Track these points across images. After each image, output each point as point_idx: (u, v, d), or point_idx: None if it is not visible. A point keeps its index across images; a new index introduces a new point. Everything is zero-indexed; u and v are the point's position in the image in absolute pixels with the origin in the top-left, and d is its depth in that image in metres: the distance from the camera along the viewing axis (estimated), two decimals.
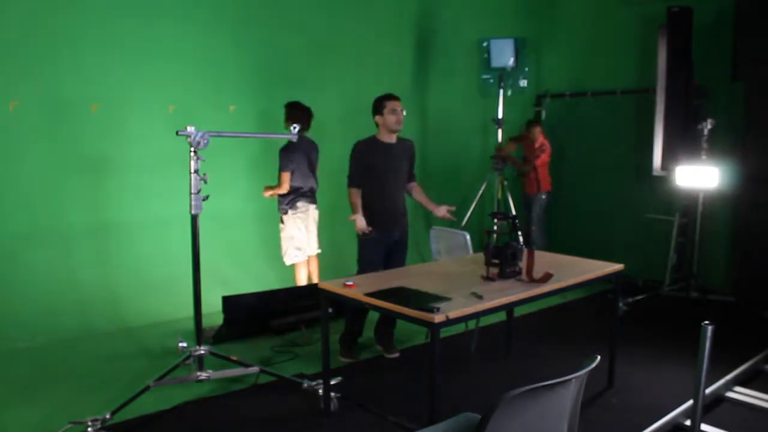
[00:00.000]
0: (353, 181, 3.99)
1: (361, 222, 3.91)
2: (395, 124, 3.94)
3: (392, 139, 4.02)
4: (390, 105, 3.93)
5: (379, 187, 3.97)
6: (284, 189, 4.65)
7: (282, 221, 4.79)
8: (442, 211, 4.12)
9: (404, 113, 3.99)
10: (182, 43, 4.99)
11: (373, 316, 4.23)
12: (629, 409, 3.31)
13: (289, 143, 4.53)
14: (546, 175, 6.20)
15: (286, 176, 4.62)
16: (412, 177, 4.22)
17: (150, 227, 4.97)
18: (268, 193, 4.75)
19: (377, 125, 4.01)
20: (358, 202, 3.97)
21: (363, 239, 4.02)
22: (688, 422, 3.06)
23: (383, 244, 4.03)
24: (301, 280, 4.89)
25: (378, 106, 3.97)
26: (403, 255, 4.16)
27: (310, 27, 5.75)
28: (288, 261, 4.84)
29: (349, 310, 4.09)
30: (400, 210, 4.09)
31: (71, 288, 4.57)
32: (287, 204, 4.72)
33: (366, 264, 3.99)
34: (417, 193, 4.25)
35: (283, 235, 4.80)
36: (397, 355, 4.15)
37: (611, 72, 6.35)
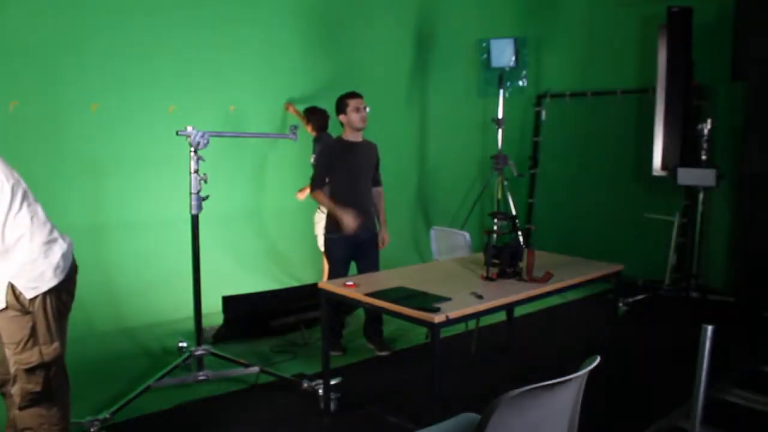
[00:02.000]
0: (317, 184, 3.96)
1: (349, 218, 3.82)
2: (359, 122, 3.91)
3: (358, 137, 3.99)
4: (353, 103, 3.91)
5: (346, 186, 3.93)
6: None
7: (321, 211, 4.97)
8: (381, 234, 4.17)
9: (368, 110, 3.95)
10: (182, 43, 4.99)
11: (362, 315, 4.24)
12: (629, 410, 3.31)
13: (320, 136, 4.98)
14: None
15: None
16: (377, 181, 4.18)
17: (150, 227, 4.97)
18: (304, 194, 5.04)
19: (342, 124, 3.99)
20: (329, 201, 3.91)
21: (328, 239, 4.02)
22: (687, 423, 3.05)
23: (349, 244, 3.97)
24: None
25: (341, 105, 3.95)
26: (375, 257, 4.10)
27: (309, 27, 5.75)
28: None
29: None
30: (366, 209, 4.03)
31: None
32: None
33: (336, 263, 3.99)
34: (377, 199, 4.19)
35: (322, 224, 4.95)
36: (388, 352, 4.15)
37: (611, 72, 6.34)
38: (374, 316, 4.16)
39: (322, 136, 5.03)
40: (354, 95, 3.94)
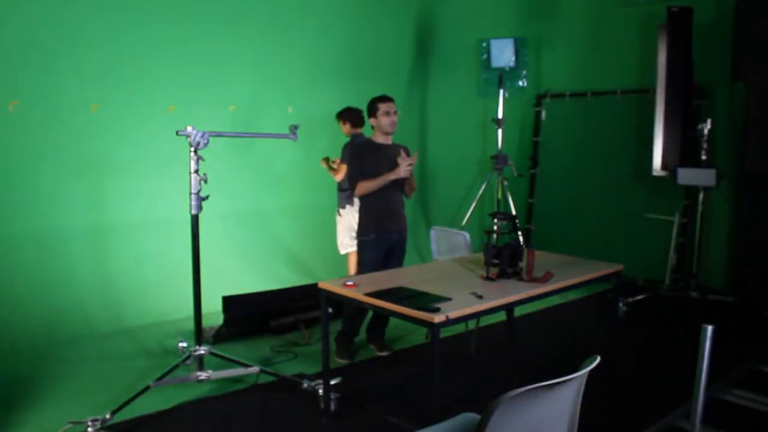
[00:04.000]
0: (356, 179, 3.92)
1: (400, 168, 3.75)
2: (389, 127, 3.92)
3: (388, 140, 4.00)
4: (383, 107, 3.90)
5: (377, 189, 3.92)
6: (339, 177, 4.97)
7: (340, 214, 5.11)
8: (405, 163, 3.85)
9: (398, 114, 3.94)
10: (183, 43, 4.99)
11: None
12: (629, 409, 3.31)
13: (355, 134, 4.96)
14: None
15: (345, 168, 4.80)
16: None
17: (150, 227, 4.97)
18: (324, 164, 5.13)
19: (372, 127, 4.01)
20: (371, 180, 3.84)
21: (361, 241, 4.00)
22: (687, 423, 3.05)
23: (382, 246, 3.99)
24: (352, 268, 5.15)
25: (372, 108, 3.96)
26: (401, 258, 4.11)
27: (309, 27, 5.75)
28: (344, 251, 5.17)
29: (347, 310, 4.09)
30: (398, 211, 4.05)
31: (71, 288, 4.57)
32: (347, 198, 5.00)
33: (366, 266, 3.96)
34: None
35: (340, 227, 5.10)
36: (388, 353, 4.15)
37: (611, 72, 6.34)
38: (381, 316, 4.15)
39: (355, 135, 4.94)
40: (385, 99, 3.93)
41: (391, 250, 4.04)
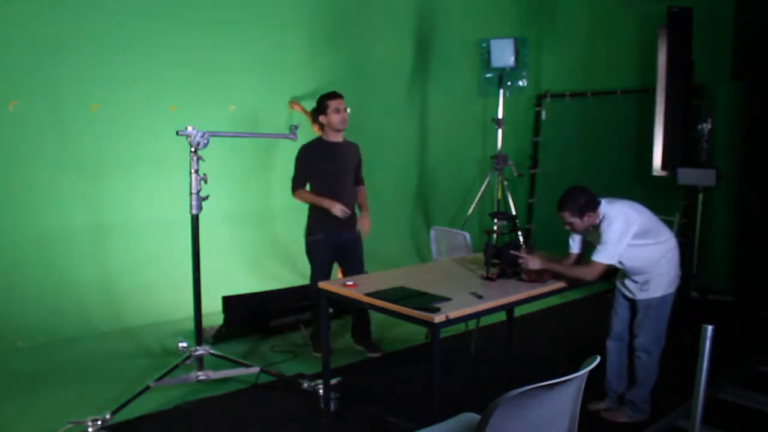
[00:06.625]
0: (296, 184, 3.93)
1: (336, 206, 3.79)
2: (339, 124, 3.88)
3: (338, 138, 3.96)
4: (333, 104, 3.87)
5: (327, 187, 3.88)
6: None
7: None
8: (362, 221, 4.03)
9: (348, 111, 3.92)
10: (182, 43, 4.99)
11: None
12: None
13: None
14: None
15: None
16: (360, 180, 4.13)
17: (150, 227, 4.97)
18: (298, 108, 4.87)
19: (322, 125, 3.97)
20: (311, 194, 3.89)
21: (310, 241, 3.95)
22: (687, 423, 3.05)
23: (332, 246, 3.94)
24: None
25: (321, 106, 3.92)
26: (360, 256, 4.06)
27: (309, 27, 5.75)
28: None
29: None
30: (350, 209, 3.98)
31: (71, 288, 4.57)
32: None
33: (317, 265, 3.93)
34: (360, 196, 4.13)
35: None
36: (379, 353, 4.14)
37: (611, 72, 6.34)
38: (361, 318, 4.15)
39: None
40: (334, 96, 3.91)
41: (344, 249, 3.99)
